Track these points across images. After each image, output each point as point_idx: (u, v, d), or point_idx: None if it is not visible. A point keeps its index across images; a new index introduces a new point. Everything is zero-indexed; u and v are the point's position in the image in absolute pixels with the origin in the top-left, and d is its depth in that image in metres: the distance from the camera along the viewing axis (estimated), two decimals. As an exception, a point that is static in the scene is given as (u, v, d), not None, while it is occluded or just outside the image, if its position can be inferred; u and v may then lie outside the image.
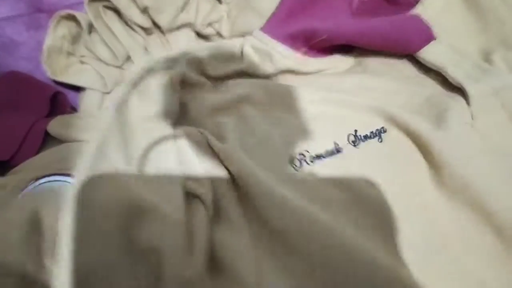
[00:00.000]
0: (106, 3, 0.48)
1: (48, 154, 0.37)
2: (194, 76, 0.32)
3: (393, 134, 0.30)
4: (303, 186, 0.27)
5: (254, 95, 0.32)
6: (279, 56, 0.32)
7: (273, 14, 0.34)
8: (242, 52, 0.33)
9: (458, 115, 0.28)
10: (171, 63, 0.31)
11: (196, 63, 0.33)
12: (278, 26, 0.33)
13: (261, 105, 0.32)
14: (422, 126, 0.28)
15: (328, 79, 0.33)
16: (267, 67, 0.32)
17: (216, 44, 0.35)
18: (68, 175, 0.32)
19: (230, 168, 0.27)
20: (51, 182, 0.31)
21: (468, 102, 0.29)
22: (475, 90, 0.29)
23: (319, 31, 0.31)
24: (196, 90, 0.32)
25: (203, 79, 0.33)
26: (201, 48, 0.33)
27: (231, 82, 0.33)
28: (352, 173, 0.28)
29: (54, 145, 0.39)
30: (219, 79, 0.34)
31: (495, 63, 0.31)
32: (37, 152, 0.39)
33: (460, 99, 0.30)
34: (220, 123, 0.30)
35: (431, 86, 0.32)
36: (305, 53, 0.33)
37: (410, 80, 0.32)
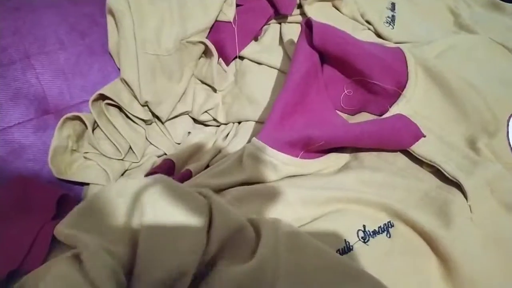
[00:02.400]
0: (108, 101, 0.51)
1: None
2: None
3: (401, 229, 0.30)
4: None
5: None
6: (281, 164, 0.33)
7: (268, 120, 0.35)
8: (243, 163, 0.34)
9: (460, 210, 0.29)
10: None
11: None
12: (275, 131, 0.34)
13: None
14: (428, 223, 0.29)
15: (327, 178, 0.34)
16: (270, 176, 0.33)
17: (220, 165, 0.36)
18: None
19: None
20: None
21: (465, 196, 0.30)
22: (470, 184, 0.30)
23: (316, 138, 0.33)
24: None
25: None
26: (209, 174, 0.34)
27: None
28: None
29: (62, 248, 0.40)
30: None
31: (482, 151, 0.33)
32: (46, 257, 0.40)
33: (457, 193, 0.31)
34: None
35: (426, 179, 0.33)
36: (303, 157, 0.34)
37: (404, 173, 0.34)
